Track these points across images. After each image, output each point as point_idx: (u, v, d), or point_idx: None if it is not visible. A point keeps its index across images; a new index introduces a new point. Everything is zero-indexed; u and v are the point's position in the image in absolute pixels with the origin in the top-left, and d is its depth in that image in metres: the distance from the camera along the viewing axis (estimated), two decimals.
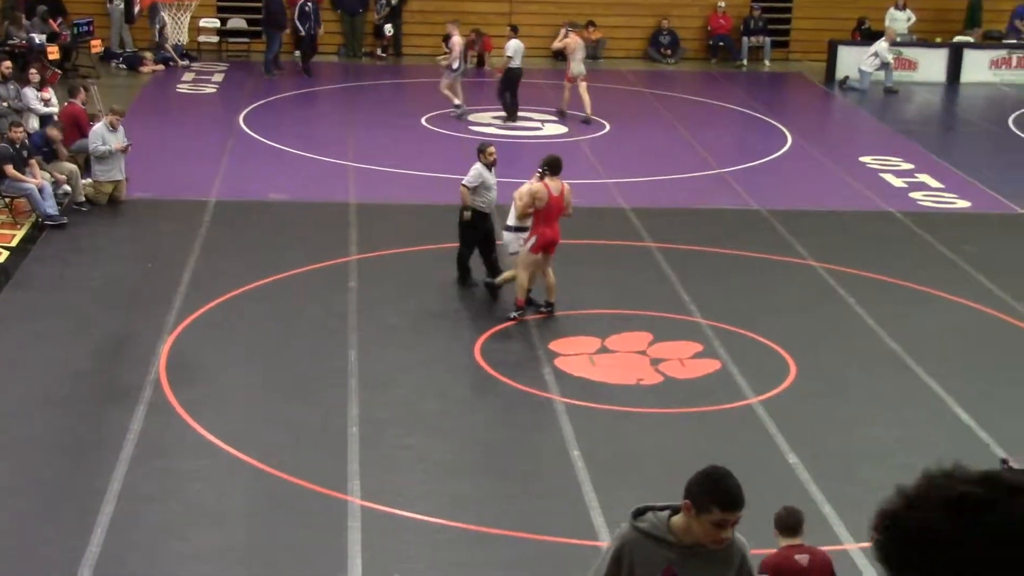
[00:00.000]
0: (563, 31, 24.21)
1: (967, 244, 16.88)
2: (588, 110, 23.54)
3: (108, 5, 28.37)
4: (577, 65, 23.66)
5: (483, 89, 26.47)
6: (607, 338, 13.39)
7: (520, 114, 24.13)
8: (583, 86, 23.53)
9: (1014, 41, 29.87)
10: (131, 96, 24.46)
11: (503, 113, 23.46)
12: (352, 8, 29.28)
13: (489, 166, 14.56)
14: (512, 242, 14.05)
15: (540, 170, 13.75)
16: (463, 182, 14.55)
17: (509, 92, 23.31)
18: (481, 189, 14.50)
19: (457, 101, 23.44)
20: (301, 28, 26.87)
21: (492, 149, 14.82)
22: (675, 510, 5.34)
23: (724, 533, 5.17)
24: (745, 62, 30.31)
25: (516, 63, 23.17)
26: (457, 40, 23.25)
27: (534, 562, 9.36)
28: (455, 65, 23.30)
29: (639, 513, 5.41)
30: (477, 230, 14.59)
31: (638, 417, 11.83)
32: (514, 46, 23.19)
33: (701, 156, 21.40)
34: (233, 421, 11.38)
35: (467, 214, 14.52)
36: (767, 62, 30.57)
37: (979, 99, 27.84)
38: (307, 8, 26.55)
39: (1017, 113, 25.81)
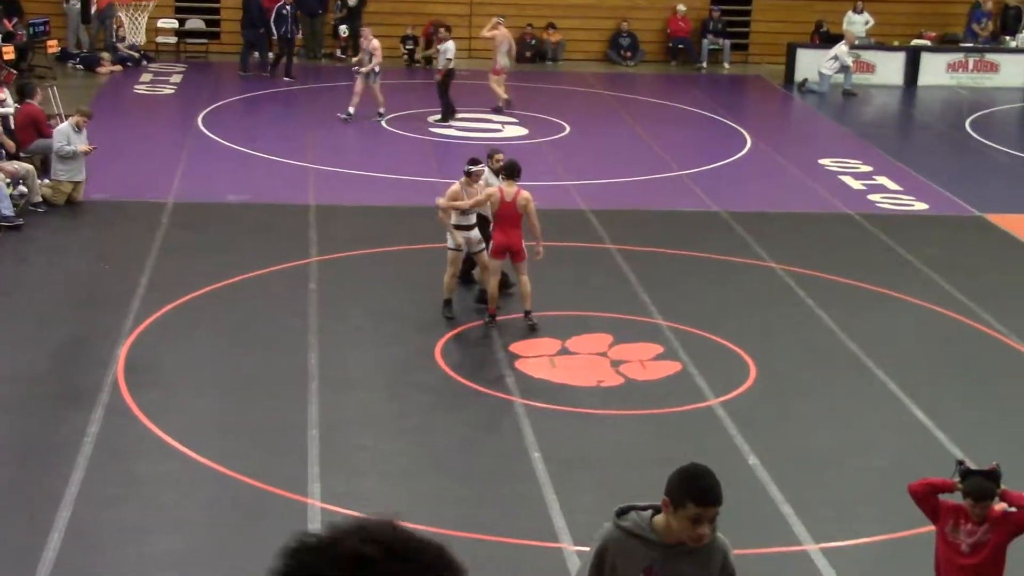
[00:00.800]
0: (494, 20, 24.95)
1: (925, 246, 16.99)
2: (501, 101, 24.54)
3: (64, 5, 28.17)
4: (503, 58, 24.47)
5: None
6: (568, 340, 13.40)
7: (480, 116, 24.13)
8: (503, 78, 24.58)
9: (971, 45, 30.10)
10: (88, 97, 24.27)
11: (450, 112, 23.44)
12: (312, 9, 29.16)
13: (497, 172, 14.13)
14: (449, 239, 13.91)
15: (466, 169, 13.77)
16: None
17: (446, 93, 23.34)
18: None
19: (381, 109, 23.06)
20: (276, 31, 26.67)
21: (500, 156, 14.45)
22: (657, 509, 5.37)
23: (701, 529, 5.20)
24: (705, 64, 30.42)
25: (453, 64, 23.18)
26: (376, 44, 22.75)
27: (495, 564, 9.33)
28: (377, 69, 22.75)
29: (622, 512, 5.44)
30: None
31: (599, 419, 11.83)
32: (451, 46, 23.19)
33: (661, 158, 21.45)
34: (192, 424, 11.30)
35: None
36: (726, 65, 30.69)
37: (936, 102, 28.05)
38: (284, 11, 26.36)
39: (974, 116, 26.02)
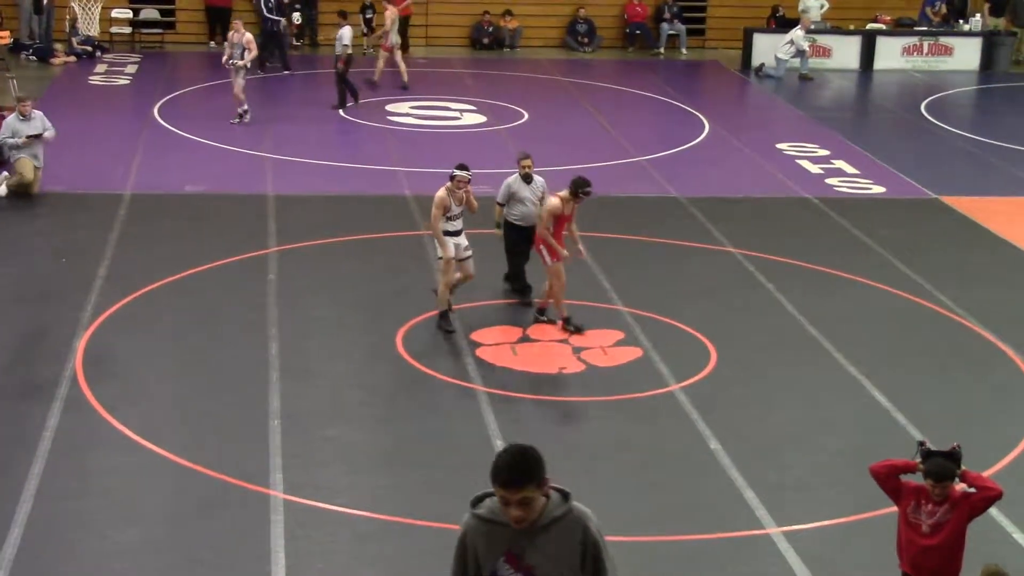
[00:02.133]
0: (385, 2, 25.68)
1: (883, 229, 17.09)
2: (377, 76, 25.03)
3: None
4: (394, 35, 25.04)
5: (399, 77, 26.39)
6: (529, 327, 13.40)
7: (439, 104, 24.08)
8: (399, 55, 25.12)
9: (925, 28, 30.27)
10: (42, 88, 24.07)
11: (346, 100, 23.33)
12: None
13: (524, 178, 13.77)
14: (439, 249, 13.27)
15: (453, 172, 13.14)
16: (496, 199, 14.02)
17: (346, 79, 23.27)
18: (513, 202, 13.80)
19: (244, 107, 21.88)
20: (265, 24, 26.38)
21: (527, 162, 13.83)
22: None
23: (512, 512, 5.14)
24: (663, 50, 30.45)
25: (350, 49, 23.12)
26: (249, 38, 21.61)
27: None
28: (249, 65, 21.79)
29: (478, 500, 5.42)
30: (513, 241, 13.93)
31: (561, 406, 11.84)
32: (348, 33, 23.11)
33: (619, 144, 21.47)
34: (152, 416, 11.23)
35: (498, 230, 14.02)
36: (684, 50, 30.74)
37: (892, 85, 28.21)
38: (270, 4, 26.05)
39: (929, 99, 26.18)
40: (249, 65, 21.69)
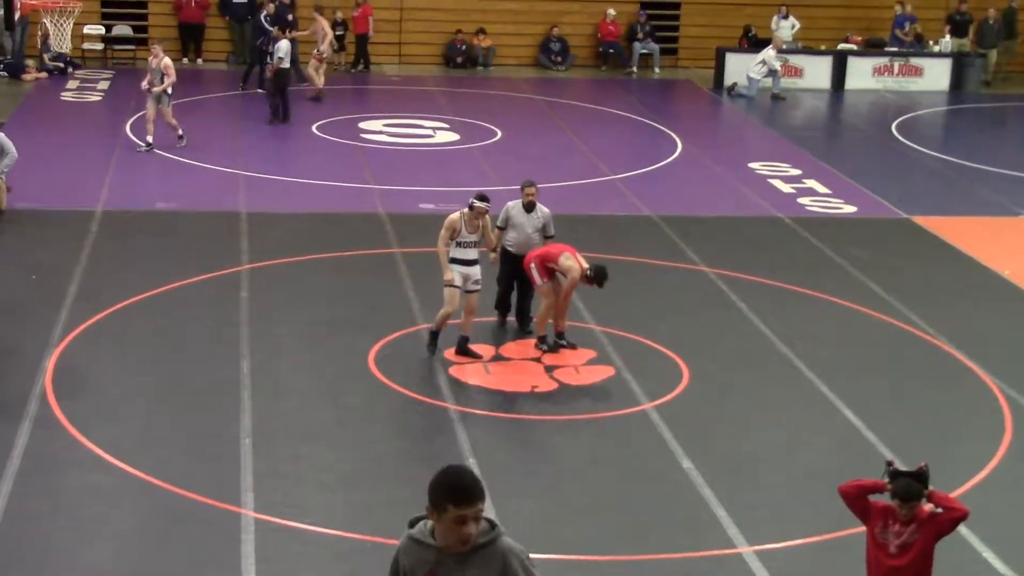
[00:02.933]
0: (315, 13, 26.35)
1: (854, 248, 17.17)
2: (317, 88, 25.50)
3: None
4: (326, 47, 25.78)
5: (371, 95, 26.40)
6: (501, 345, 13.39)
7: (412, 122, 24.09)
8: (323, 67, 25.67)
9: (896, 49, 30.48)
10: (13, 105, 23.97)
11: (279, 112, 23.37)
12: (240, 14, 28.98)
13: (526, 206, 13.47)
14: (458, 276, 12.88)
15: (472, 202, 12.86)
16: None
17: (279, 93, 23.27)
18: (510, 227, 13.51)
19: (179, 131, 20.98)
20: (254, 41, 26.23)
21: (531, 190, 13.47)
22: None
23: (467, 529, 5.14)
24: (635, 69, 30.55)
25: (286, 64, 23.12)
26: (168, 63, 20.49)
27: None
28: (170, 90, 20.57)
29: (414, 521, 5.48)
30: (506, 268, 13.59)
31: (533, 424, 11.84)
32: (284, 46, 23.14)
33: (592, 162, 21.52)
34: (123, 435, 11.17)
35: (492, 255, 13.61)
36: (656, 69, 30.84)
37: (863, 105, 28.37)
38: (268, 17, 25.88)
39: (900, 119, 26.34)
40: (170, 91, 20.53)
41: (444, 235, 12.81)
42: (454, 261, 12.82)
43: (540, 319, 13.30)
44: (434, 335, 13.00)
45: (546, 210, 13.71)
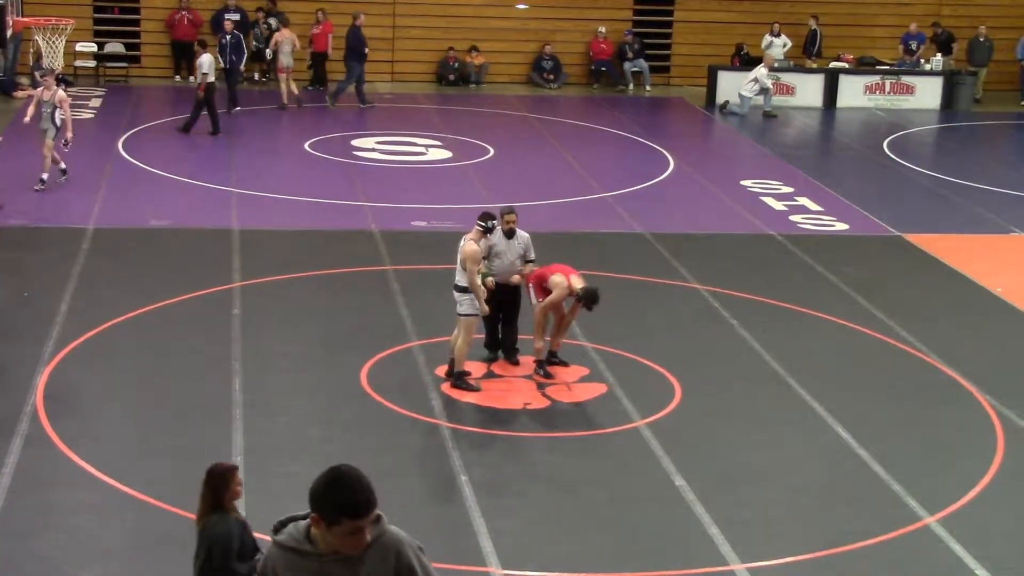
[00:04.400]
0: (275, 24, 26.99)
1: (846, 266, 17.19)
2: (285, 99, 26.24)
3: None
4: (286, 58, 26.36)
5: (363, 112, 26.41)
6: (493, 363, 13.37)
7: (404, 139, 24.11)
8: (288, 76, 26.27)
9: (887, 67, 30.56)
10: (5, 122, 23.96)
11: (191, 126, 23.50)
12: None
13: (506, 233, 13.06)
14: (465, 302, 12.59)
15: (481, 224, 12.59)
16: None
17: (207, 106, 23.35)
18: (491, 255, 13.02)
19: (63, 165, 19.62)
20: (223, 61, 26.16)
21: (511, 216, 13.10)
22: None
23: (361, 538, 4.87)
24: (631, 87, 30.61)
25: (211, 78, 23.22)
26: (63, 96, 19.14)
27: None
28: (58, 123, 18.92)
29: (280, 527, 5.15)
30: (491, 299, 12.84)
31: (526, 442, 11.82)
32: (207, 60, 23.23)
33: (585, 180, 21.54)
34: (114, 453, 11.14)
35: (488, 279, 12.88)
36: (647, 87, 30.89)
37: (855, 123, 28.44)
38: (224, 41, 25.81)
39: (891, 137, 26.40)
40: (58, 124, 18.85)
41: (474, 268, 12.45)
42: (460, 290, 12.57)
43: (536, 344, 13.16)
44: (461, 375, 12.70)
45: (525, 235, 13.30)
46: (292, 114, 26.24)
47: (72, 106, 25.63)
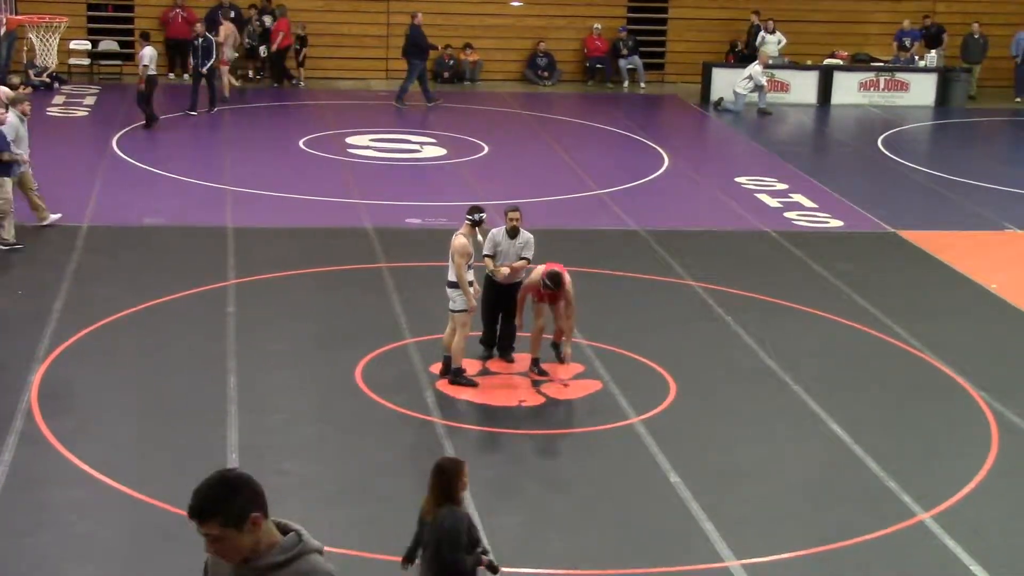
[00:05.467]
0: (269, 22, 27.51)
1: (841, 263, 17.20)
2: (227, 92, 26.23)
3: None
4: (229, 51, 26.64)
5: (358, 110, 26.39)
6: (488, 360, 13.37)
7: (399, 136, 24.10)
8: (226, 70, 26.40)
9: (881, 64, 30.57)
10: None
11: (144, 122, 23.58)
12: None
13: (509, 232, 12.96)
14: (458, 299, 12.57)
15: (469, 218, 12.59)
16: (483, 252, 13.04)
17: (145, 100, 23.44)
18: (496, 255, 12.98)
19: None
20: (193, 62, 25.99)
21: (513, 215, 13.00)
22: None
23: (215, 544, 4.68)
24: (627, 84, 30.60)
25: (152, 71, 23.27)
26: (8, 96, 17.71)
27: None
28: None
29: None
30: (489, 301, 13.00)
31: (521, 439, 11.82)
32: (149, 53, 23.27)
33: (579, 177, 21.54)
34: (109, 450, 11.13)
35: (502, 272, 12.94)
36: (642, 84, 30.89)
37: (849, 120, 28.45)
38: (196, 43, 25.62)
39: (886, 134, 26.41)
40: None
41: (462, 263, 12.41)
42: (457, 286, 12.53)
43: (533, 340, 13.08)
44: (459, 371, 12.68)
45: (528, 235, 13.16)
46: (285, 112, 26.21)
47: (65, 104, 25.74)
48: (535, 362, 13.07)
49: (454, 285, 12.55)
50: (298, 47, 28.91)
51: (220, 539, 4.63)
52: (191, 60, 25.69)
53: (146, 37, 24.28)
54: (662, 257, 17.13)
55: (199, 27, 25.62)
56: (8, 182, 16.24)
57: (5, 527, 9.75)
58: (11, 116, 16.70)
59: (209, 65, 25.06)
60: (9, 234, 16.22)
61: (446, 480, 7.75)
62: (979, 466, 11.44)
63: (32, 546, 9.57)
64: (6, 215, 16.21)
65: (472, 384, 12.69)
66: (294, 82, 28.88)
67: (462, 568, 7.64)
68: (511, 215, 13.09)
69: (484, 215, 12.75)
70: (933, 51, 30.61)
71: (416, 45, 26.82)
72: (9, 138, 16.41)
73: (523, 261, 13.16)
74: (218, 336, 13.70)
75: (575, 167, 22.26)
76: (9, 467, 10.64)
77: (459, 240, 12.50)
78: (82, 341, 13.46)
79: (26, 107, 17.09)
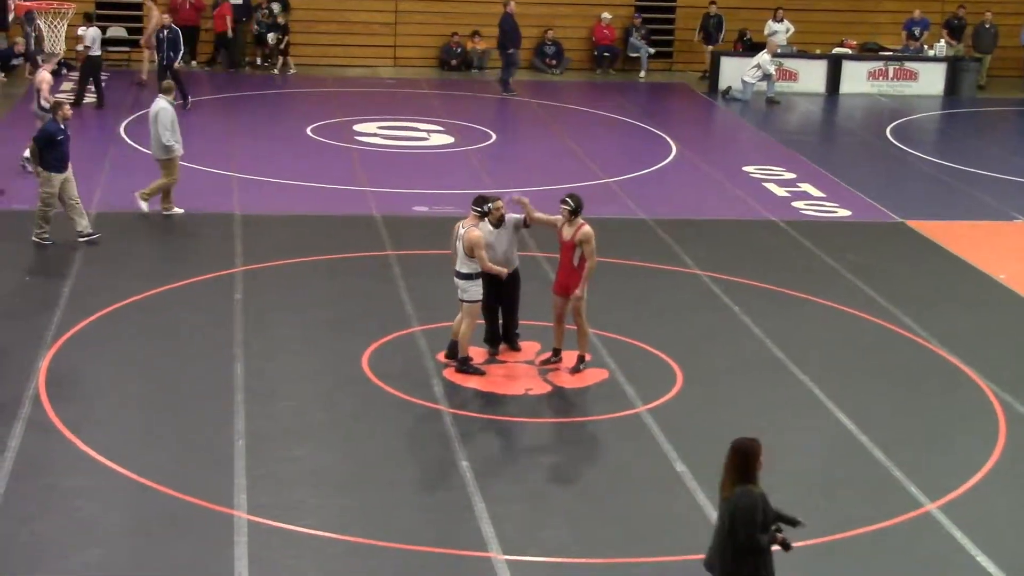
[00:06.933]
0: (277, 10, 27.76)
1: (848, 252, 17.18)
2: (144, 75, 26.24)
3: None
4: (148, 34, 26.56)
5: (365, 97, 26.38)
6: (495, 354, 13.35)
7: (406, 124, 24.08)
8: (149, 54, 26.23)
9: (890, 53, 30.49)
10: (7, 106, 23.94)
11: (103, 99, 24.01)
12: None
13: (494, 223, 12.79)
14: (469, 289, 12.53)
15: (476, 209, 12.55)
16: None
17: (93, 79, 23.65)
18: (487, 249, 12.66)
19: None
20: (158, 56, 25.68)
21: (498, 204, 12.81)
22: None
23: None
24: (644, 73, 30.53)
25: (95, 51, 23.47)
26: (42, 76, 18.35)
27: (424, 574, 9.29)
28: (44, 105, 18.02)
29: None
30: (490, 292, 12.75)
31: (527, 427, 11.83)
32: (92, 34, 23.44)
33: (587, 166, 21.51)
34: (116, 436, 11.15)
35: (503, 271, 12.72)
36: (642, 73, 30.77)
37: (858, 110, 28.39)
38: (161, 36, 25.31)
39: (894, 124, 26.36)
40: (46, 108, 17.79)
41: (483, 255, 12.36)
42: (470, 278, 12.53)
43: (557, 332, 12.98)
44: (466, 359, 12.68)
45: (514, 216, 13.02)
46: (293, 99, 26.19)
47: (73, 91, 25.70)
48: (556, 352, 13.02)
49: (464, 276, 12.52)
50: (280, 36, 28.87)
51: None
52: (157, 53, 25.25)
53: (89, 19, 24.53)
54: (669, 246, 17.11)
55: (166, 18, 25.43)
56: (56, 178, 16.06)
57: (13, 512, 9.77)
58: (165, 103, 17.39)
59: (178, 58, 24.73)
60: (82, 226, 16.06)
61: (743, 459, 7.85)
62: (986, 457, 11.43)
63: (39, 531, 9.59)
64: (51, 208, 16.08)
65: (479, 372, 12.69)
66: (288, 71, 28.80)
67: (757, 546, 7.84)
68: (495, 203, 12.82)
69: (491, 205, 12.69)
70: (942, 41, 30.52)
71: (508, 34, 27.31)
72: (166, 127, 17.23)
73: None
74: (225, 323, 13.71)
75: (582, 155, 22.23)
76: (17, 453, 10.67)
77: (475, 233, 12.38)
78: (89, 328, 13.47)
79: (67, 111, 16.76)
